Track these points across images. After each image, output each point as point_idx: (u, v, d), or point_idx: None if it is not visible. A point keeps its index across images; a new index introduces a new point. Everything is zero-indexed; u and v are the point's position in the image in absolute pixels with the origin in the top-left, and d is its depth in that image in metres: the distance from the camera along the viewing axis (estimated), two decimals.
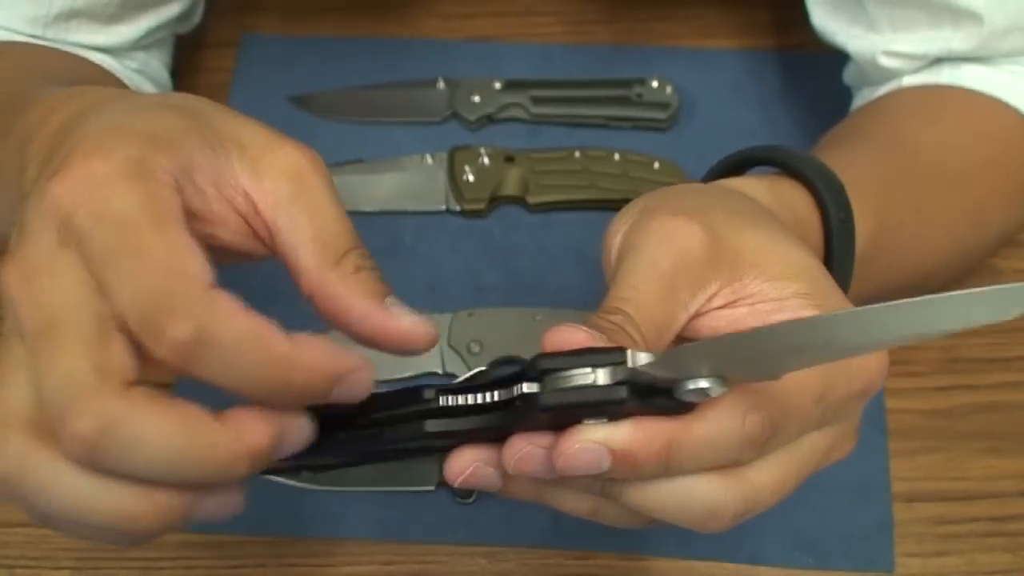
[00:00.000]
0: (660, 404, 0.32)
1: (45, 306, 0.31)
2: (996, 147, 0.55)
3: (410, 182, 0.66)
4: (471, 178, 0.65)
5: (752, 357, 0.29)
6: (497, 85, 0.68)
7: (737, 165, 0.48)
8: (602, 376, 0.32)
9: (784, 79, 0.70)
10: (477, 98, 0.68)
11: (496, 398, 0.33)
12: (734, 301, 0.37)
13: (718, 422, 0.32)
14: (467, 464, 0.34)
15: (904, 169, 0.52)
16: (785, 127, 0.68)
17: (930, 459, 0.59)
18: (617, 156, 0.66)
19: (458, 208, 0.65)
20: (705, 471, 0.33)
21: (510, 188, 0.65)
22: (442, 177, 0.66)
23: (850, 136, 0.56)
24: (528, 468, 0.33)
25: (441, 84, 0.69)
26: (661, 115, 0.67)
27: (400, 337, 0.33)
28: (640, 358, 0.31)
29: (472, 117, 0.67)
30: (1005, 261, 0.64)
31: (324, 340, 0.32)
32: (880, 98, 0.58)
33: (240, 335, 0.30)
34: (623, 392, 0.31)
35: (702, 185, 0.45)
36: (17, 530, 0.57)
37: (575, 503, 0.35)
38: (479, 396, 0.33)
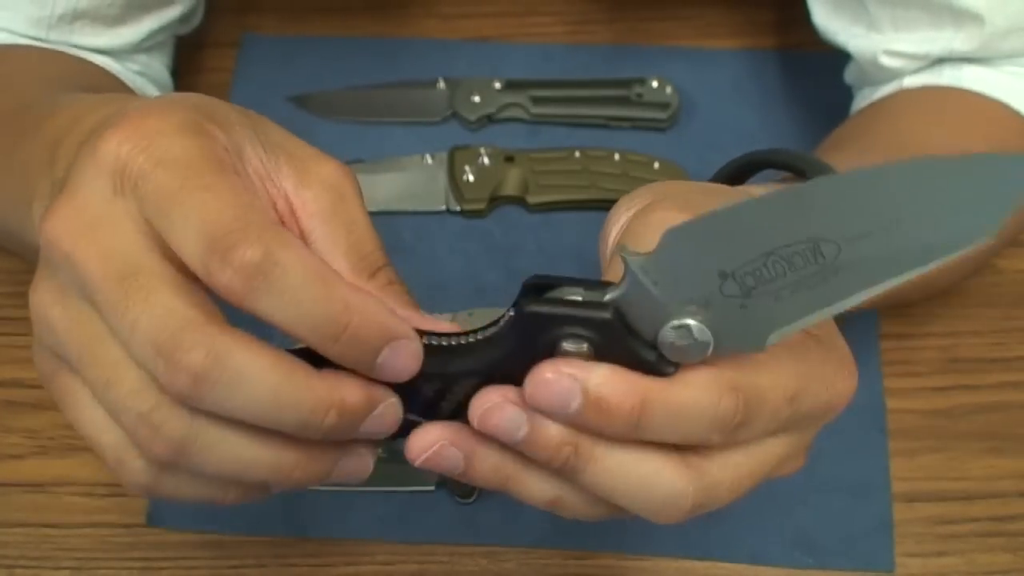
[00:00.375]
0: (640, 355, 0.31)
1: (116, 255, 0.30)
2: (997, 150, 0.55)
3: (410, 182, 0.66)
4: (471, 178, 0.65)
5: (740, 237, 0.29)
6: (497, 85, 0.68)
7: (741, 168, 0.48)
8: (591, 297, 0.31)
9: (784, 79, 0.70)
10: (477, 98, 0.68)
11: (479, 337, 0.33)
12: None
13: (694, 393, 0.31)
14: (431, 443, 0.33)
15: None
16: (785, 127, 0.68)
17: (930, 459, 0.59)
18: (617, 156, 0.66)
19: (458, 208, 0.65)
20: (669, 452, 0.33)
21: (510, 188, 0.65)
22: (442, 177, 0.66)
23: (852, 138, 0.56)
24: (495, 422, 0.32)
25: (441, 84, 0.68)
26: (661, 115, 0.67)
27: None
28: (633, 256, 0.30)
29: (472, 117, 0.67)
30: (1005, 261, 0.64)
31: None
32: (882, 100, 0.58)
33: (306, 266, 0.30)
34: (608, 312, 0.31)
35: (713, 184, 0.45)
36: (17, 530, 0.57)
37: (539, 488, 0.34)
38: (463, 338, 0.33)
